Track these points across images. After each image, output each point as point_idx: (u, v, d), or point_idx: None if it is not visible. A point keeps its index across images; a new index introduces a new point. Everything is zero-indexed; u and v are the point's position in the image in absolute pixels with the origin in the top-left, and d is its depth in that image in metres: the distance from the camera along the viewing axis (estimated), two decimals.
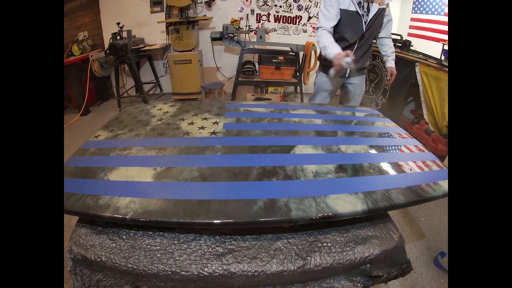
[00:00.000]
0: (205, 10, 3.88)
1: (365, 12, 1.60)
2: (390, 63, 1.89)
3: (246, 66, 3.55)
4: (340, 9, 1.57)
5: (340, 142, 1.03)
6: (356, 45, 1.68)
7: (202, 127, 1.13)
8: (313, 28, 3.97)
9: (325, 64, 1.73)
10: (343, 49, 1.47)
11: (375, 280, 0.77)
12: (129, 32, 3.42)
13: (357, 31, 1.63)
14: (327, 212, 0.67)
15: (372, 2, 1.57)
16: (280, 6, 3.93)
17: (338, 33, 1.66)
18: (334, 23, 1.60)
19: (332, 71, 1.45)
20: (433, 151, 1.14)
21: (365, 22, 1.61)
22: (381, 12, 1.62)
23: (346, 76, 1.81)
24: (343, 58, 1.35)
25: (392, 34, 3.07)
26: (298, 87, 3.57)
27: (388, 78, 1.89)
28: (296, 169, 0.83)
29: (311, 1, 3.86)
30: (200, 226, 0.72)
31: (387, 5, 1.65)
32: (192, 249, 0.72)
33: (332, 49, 1.46)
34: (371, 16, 1.59)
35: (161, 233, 0.76)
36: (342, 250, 0.72)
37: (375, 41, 1.85)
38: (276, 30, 4.07)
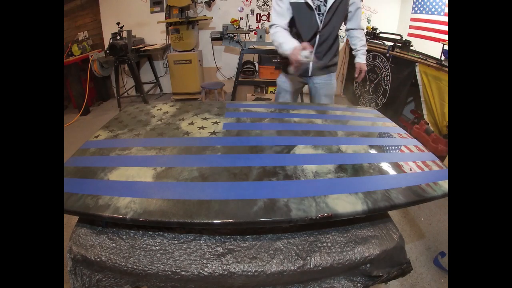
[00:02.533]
0: (205, 10, 3.89)
1: (321, 2, 1.37)
2: (360, 58, 1.63)
3: (246, 66, 3.55)
4: (289, 2, 1.36)
5: (340, 142, 1.03)
6: (316, 42, 1.47)
7: (202, 127, 1.12)
8: None
9: (283, 62, 1.52)
10: None
11: (375, 280, 0.77)
12: (129, 32, 3.43)
13: (310, 26, 1.41)
14: (327, 212, 0.67)
15: None
16: None
17: (293, 31, 1.45)
18: (287, 18, 1.40)
19: (291, 69, 1.28)
20: (433, 151, 1.14)
21: (322, 15, 1.38)
22: (342, 0, 1.38)
23: (309, 74, 1.57)
24: (299, 52, 1.18)
25: (392, 34, 3.11)
26: None
27: (356, 75, 1.67)
28: (296, 169, 0.83)
29: None
30: (200, 226, 0.73)
31: None
32: (192, 249, 0.72)
33: (288, 45, 1.27)
34: (329, 7, 1.36)
35: (161, 233, 0.76)
36: (342, 250, 0.72)
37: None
38: None
